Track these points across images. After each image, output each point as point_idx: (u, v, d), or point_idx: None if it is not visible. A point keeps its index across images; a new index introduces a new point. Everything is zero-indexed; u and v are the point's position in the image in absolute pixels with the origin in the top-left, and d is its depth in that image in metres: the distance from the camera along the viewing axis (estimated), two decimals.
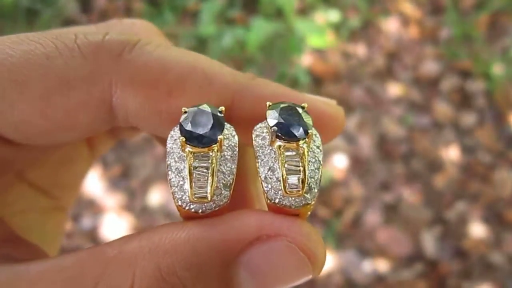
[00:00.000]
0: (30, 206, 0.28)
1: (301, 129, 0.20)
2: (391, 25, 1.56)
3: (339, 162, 1.30)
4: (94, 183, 1.25)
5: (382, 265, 1.18)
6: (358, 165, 1.31)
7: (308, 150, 0.21)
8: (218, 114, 0.21)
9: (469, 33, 1.53)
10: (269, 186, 0.20)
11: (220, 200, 0.20)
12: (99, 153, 0.32)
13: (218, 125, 0.20)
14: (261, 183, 0.21)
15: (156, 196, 1.25)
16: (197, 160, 0.20)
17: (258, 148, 0.21)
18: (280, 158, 0.20)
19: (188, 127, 0.20)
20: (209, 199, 0.20)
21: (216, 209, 0.20)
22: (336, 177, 1.28)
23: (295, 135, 0.20)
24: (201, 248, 0.19)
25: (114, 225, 1.21)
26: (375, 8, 1.59)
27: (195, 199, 0.20)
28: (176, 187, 0.20)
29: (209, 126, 0.20)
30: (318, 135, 0.22)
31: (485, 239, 1.21)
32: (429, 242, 1.21)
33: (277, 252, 0.19)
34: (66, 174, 0.30)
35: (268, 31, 1.42)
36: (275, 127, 0.20)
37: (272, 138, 0.20)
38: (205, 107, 0.21)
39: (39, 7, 1.52)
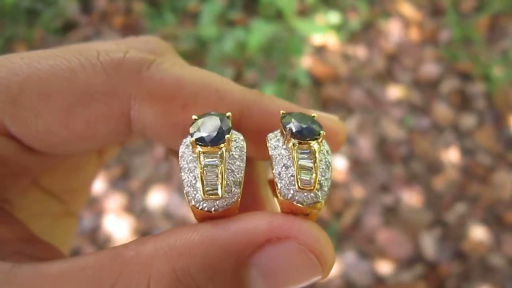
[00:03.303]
0: (43, 211, 0.29)
1: (313, 130, 0.22)
2: (391, 27, 1.56)
3: (339, 164, 1.30)
4: (94, 184, 1.25)
5: (382, 267, 1.18)
6: (358, 167, 1.31)
7: (320, 150, 0.22)
8: (226, 118, 0.22)
9: (469, 35, 1.54)
10: (283, 182, 0.21)
11: (230, 198, 0.21)
12: (107, 158, 0.32)
13: (225, 126, 0.22)
14: (275, 180, 0.22)
15: (156, 198, 1.25)
16: (207, 159, 0.21)
17: (273, 149, 0.23)
18: (293, 155, 0.21)
19: (198, 130, 0.22)
20: (220, 195, 0.20)
21: (228, 207, 0.21)
22: (336, 178, 1.28)
23: (308, 135, 0.22)
24: (214, 250, 0.19)
25: (115, 226, 1.21)
26: (375, 10, 1.60)
27: (207, 196, 0.20)
28: (189, 186, 0.21)
29: (217, 128, 0.22)
30: (326, 142, 0.24)
31: (484, 241, 1.21)
32: (429, 244, 1.21)
33: (287, 254, 0.20)
34: (75, 180, 0.31)
35: (268, 33, 1.42)
36: (290, 126, 0.22)
37: (286, 137, 0.22)
38: (213, 113, 0.23)
39: (40, 7, 1.52)
